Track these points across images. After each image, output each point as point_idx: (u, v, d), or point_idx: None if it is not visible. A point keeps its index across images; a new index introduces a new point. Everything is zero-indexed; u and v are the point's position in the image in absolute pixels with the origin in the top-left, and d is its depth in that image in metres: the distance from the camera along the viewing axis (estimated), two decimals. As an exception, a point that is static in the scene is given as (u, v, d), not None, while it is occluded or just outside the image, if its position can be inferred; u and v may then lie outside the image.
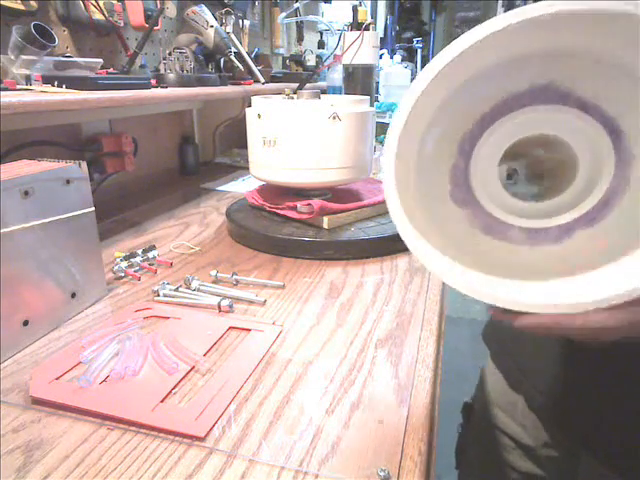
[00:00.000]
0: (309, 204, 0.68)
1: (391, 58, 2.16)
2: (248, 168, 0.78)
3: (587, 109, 0.26)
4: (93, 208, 0.52)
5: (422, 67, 3.44)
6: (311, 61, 1.80)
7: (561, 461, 0.56)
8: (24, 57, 0.67)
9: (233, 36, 1.13)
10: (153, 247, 0.66)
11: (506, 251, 0.30)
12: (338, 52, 1.17)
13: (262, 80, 1.17)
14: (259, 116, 0.70)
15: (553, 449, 0.56)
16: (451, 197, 0.30)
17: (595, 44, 0.24)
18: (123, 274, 0.60)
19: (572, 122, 0.26)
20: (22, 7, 0.74)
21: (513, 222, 0.30)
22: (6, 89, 0.62)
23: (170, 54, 1.01)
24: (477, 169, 0.29)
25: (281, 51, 1.86)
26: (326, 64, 1.49)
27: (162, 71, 0.99)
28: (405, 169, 0.27)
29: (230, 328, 0.48)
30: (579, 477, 0.54)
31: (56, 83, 0.68)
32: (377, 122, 1.75)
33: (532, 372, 0.56)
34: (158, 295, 0.54)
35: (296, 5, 1.43)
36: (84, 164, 0.50)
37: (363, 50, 1.09)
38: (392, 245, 0.68)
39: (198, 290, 0.56)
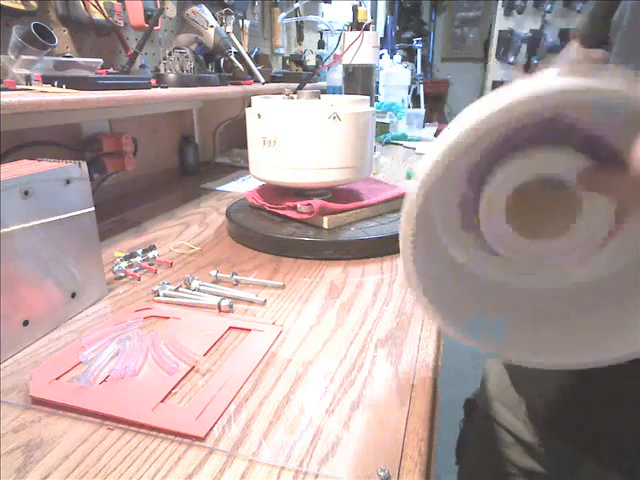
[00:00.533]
0: (309, 204, 0.68)
1: (391, 58, 2.16)
2: (248, 168, 0.78)
3: (592, 140, 0.26)
4: (93, 208, 0.52)
5: (422, 67, 3.43)
6: (311, 61, 1.80)
7: (562, 458, 0.56)
8: (24, 57, 0.67)
9: (233, 36, 1.13)
10: (153, 247, 0.66)
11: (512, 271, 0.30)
12: (338, 52, 1.17)
13: (262, 80, 1.17)
14: (259, 116, 0.70)
15: (554, 447, 0.56)
16: (460, 224, 0.30)
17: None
18: (123, 274, 0.60)
19: (577, 164, 0.26)
20: (22, 7, 0.74)
21: (517, 259, 0.30)
22: (6, 89, 0.62)
23: (170, 54, 1.01)
24: (485, 202, 0.29)
25: (281, 51, 1.86)
26: (326, 64, 1.49)
27: (162, 71, 0.99)
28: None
29: (230, 328, 0.48)
30: (580, 474, 0.54)
31: (56, 83, 0.68)
32: (377, 122, 1.75)
33: (535, 374, 0.56)
34: (158, 295, 0.54)
35: (296, 5, 1.43)
36: (84, 164, 0.50)
37: (363, 50, 1.09)
38: (392, 245, 0.67)
39: (198, 290, 0.56)
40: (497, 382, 0.63)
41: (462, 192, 0.29)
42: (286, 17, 1.31)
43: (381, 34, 3.97)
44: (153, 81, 0.89)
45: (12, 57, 0.67)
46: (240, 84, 1.20)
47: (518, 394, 0.58)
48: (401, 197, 0.78)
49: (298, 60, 1.77)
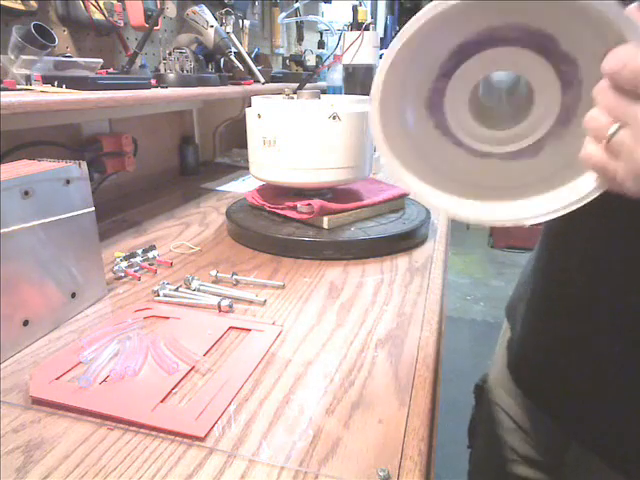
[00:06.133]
0: (309, 204, 0.68)
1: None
2: (248, 168, 0.78)
3: (545, 45, 0.29)
4: (93, 208, 0.52)
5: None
6: (311, 61, 1.80)
7: (554, 446, 0.56)
8: (24, 57, 0.67)
9: (233, 36, 1.13)
10: (153, 247, 0.66)
11: (478, 165, 0.35)
12: (338, 52, 1.17)
13: (262, 80, 1.18)
14: (259, 116, 0.70)
15: (546, 433, 0.56)
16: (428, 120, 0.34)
17: None
18: (123, 274, 0.60)
19: (528, 61, 0.30)
20: (22, 7, 0.74)
21: (480, 148, 0.35)
22: (6, 89, 0.62)
23: (170, 54, 1.01)
24: (450, 99, 0.33)
25: (281, 51, 1.86)
26: (326, 64, 1.49)
27: (162, 71, 0.99)
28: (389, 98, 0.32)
29: (230, 328, 0.48)
30: (579, 464, 0.54)
31: (56, 83, 0.68)
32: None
33: (533, 359, 0.55)
34: (158, 295, 0.54)
35: (296, 5, 1.43)
36: (84, 164, 0.50)
37: (363, 50, 1.09)
38: (392, 245, 0.68)
39: (198, 290, 0.56)
40: (500, 366, 0.63)
41: (434, 85, 0.34)
42: (286, 17, 1.31)
43: (381, 34, 3.97)
44: (153, 81, 0.89)
45: (12, 57, 0.67)
46: (240, 84, 1.20)
47: (515, 378, 0.58)
48: (401, 197, 0.79)
49: (298, 60, 1.77)
